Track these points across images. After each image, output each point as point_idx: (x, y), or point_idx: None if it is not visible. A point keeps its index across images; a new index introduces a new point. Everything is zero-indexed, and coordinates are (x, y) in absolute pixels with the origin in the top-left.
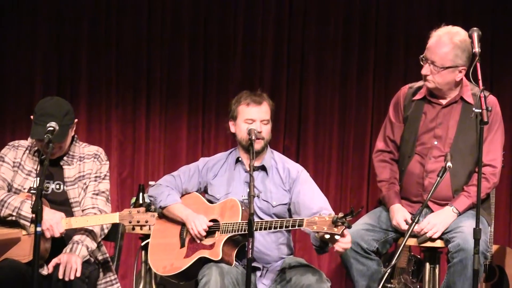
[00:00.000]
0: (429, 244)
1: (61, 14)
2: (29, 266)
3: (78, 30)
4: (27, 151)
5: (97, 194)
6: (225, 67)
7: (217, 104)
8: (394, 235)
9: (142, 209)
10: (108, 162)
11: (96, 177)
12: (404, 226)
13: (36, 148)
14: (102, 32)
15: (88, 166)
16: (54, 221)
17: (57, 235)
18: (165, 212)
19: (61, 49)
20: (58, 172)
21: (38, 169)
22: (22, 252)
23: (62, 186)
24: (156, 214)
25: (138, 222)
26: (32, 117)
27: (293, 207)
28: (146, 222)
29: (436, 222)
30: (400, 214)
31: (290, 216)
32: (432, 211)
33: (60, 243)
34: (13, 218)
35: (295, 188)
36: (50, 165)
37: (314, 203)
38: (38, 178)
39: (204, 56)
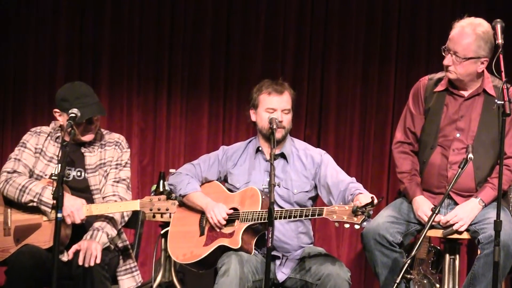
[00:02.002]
0: (454, 236)
1: (84, 1)
2: (49, 252)
3: (100, 18)
4: (49, 137)
5: (117, 182)
6: (247, 55)
7: (238, 93)
8: (417, 227)
9: (163, 197)
10: (129, 150)
11: (117, 164)
12: None
13: (58, 134)
14: (125, 19)
15: (109, 154)
16: (75, 208)
17: (77, 221)
18: (185, 200)
19: (83, 36)
20: (80, 159)
21: (60, 155)
22: (43, 238)
23: (83, 173)
24: (176, 202)
25: (158, 210)
26: (57, 110)
27: (324, 190)
28: (167, 210)
29: (463, 215)
30: (425, 206)
31: (313, 205)
32: (456, 203)
33: (80, 230)
34: (34, 204)
35: (321, 172)
36: (72, 152)
37: (341, 181)
38: (60, 164)
39: (226, 44)
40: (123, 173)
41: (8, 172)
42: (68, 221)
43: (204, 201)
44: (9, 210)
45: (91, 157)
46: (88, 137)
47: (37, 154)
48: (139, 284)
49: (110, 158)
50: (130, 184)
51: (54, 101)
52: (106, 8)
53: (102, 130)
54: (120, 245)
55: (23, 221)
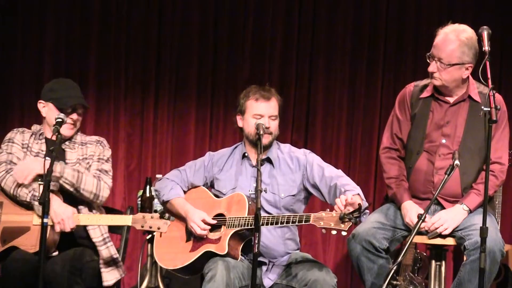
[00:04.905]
0: (440, 241)
1: (71, 4)
2: (37, 256)
3: (88, 21)
4: (33, 136)
5: (100, 171)
6: (234, 61)
7: (225, 98)
8: (403, 233)
9: (156, 215)
10: (110, 150)
11: (99, 158)
12: None
13: (41, 131)
14: (112, 23)
15: (91, 149)
16: (65, 216)
17: (67, 229)
18: (169, 206)
19: (70, 40)
20: (61, 154)
21: (45, 150)
22: (30, 242)
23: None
24: (169, 222)
25: (150, 227)
26: (41, 101)
27: (315, 190)
28: (158, 228)
29: (447, 218)
30: (414, 211)
31: (305, 208)
32: (443, 208)
33: (68, 237)
34: (27, 198)
35: (307, 173)
36: (53, 143)
37: (327, 177)
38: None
39: (213, 49)
40: (106, 166)
41: (7, 163)
42: (57, 228)
43: (183, 209)
44: (0, 210)
45: (72, 153)
46: (67, 131)
47: (24, 149)
48: (123, 275)
49: (92, 153)
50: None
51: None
52: (93, 12)
53: (83, 133)
54: (105, 252)
55: (12, 223)
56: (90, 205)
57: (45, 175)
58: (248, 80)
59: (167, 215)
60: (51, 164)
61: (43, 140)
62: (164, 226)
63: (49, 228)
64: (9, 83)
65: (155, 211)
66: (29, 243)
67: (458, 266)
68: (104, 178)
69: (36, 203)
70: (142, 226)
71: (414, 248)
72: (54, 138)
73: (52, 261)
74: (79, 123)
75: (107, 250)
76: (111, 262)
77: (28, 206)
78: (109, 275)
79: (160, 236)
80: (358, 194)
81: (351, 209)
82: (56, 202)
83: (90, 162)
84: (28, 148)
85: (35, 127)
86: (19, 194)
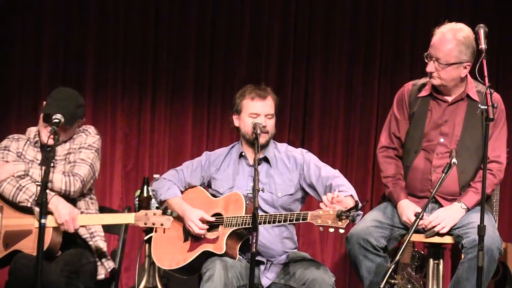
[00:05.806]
0: (438, 240)
1: (69, 5)
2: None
3: (85, 22)
4: (28, 142)
5: (75, 162)
6: (231, 61)
7: (222, 98)
8: (401, 232)
9: (159, 211)
10: (97, 136)
11: (79, 147)
12: None
13: (36, 139)
14: (110, 24)
15: (77, 141)
16: (70, 217)
17: (71, 231)
18: (166, 205)
19: (67, 41)
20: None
21: (41, 158)
22: (32, 245)
23: (54, 165)
24: (171, 218)
25: (153, 224)
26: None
27: (311, 190)
28: (162, 225)
29: (445, 216)
30: (410, 209)
31: (302, 207)
32: (441, 206)
33: (71, 238)
34: (28, 204)
35: (304, 173)
36: (44, 148)
37: (323, 177)
38: (42, 168)
39: (210, 50)
40: (83, 154)
41: None
42: (61, 229)
43: (181, 208)
44: (0, 215)
45: (60, 150)
46: (45, 138)
47: (18, 158)
48: (109, 270)
49: (76, 145)
50: (96, 168)
51: (38, 107)
52: (91, 13)
53: None
54: (93, 246)
55: (14, 227)
56: (83, 194)
57: (43, 177)
58: (245, 80)
59: (169, 211)
60: (49, 166)
61: (39, 149)
62: (167, 222)
63: (51, 230)
64: (7, 83)
65: None
66: (31, 246)
67: (456, 264)
68: (75, 169)
69: (36, 208)
70: (145, 224)
71: (412, 246)
72: (52, 138)
73: (54, 263)
74: (69, 134)
75: (94, 244)
76: (101, 256)
77: (28, 210)
78: (100, 269)
79: (164, 232)
80: (351, 195)
81: (339, 207)
82: (61, 203)
83: (71, 156)
84: (21, 156)
85: (30, 131)
86: (19, 201)
